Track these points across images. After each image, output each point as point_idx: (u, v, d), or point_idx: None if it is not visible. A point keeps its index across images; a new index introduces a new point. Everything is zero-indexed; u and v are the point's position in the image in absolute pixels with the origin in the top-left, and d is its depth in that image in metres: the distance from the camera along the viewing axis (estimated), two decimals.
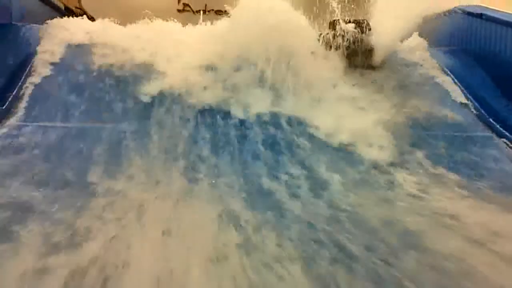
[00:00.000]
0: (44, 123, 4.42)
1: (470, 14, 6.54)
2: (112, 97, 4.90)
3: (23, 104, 4.66)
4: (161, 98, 4.96)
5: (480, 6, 6.55)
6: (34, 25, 5.81)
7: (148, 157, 4.06)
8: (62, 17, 6.33)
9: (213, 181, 3.78)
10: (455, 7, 6.93)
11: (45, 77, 5.05)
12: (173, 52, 5.49)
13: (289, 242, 2.92)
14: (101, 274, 2.49)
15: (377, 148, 4.49)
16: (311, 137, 4.64)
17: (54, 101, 4.74)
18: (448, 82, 5.90)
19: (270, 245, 2.87)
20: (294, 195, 3.66)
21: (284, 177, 3.95)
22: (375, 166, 4.24)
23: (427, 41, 6.56)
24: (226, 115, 4.87)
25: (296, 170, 4.07)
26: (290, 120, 4.85)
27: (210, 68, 5.28)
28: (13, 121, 4.40)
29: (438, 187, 3.95)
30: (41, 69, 5.13)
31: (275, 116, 4.87)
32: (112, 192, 3.44)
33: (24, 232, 2.85)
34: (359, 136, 4.64)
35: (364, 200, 3.61)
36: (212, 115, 4.83)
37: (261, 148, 4.43)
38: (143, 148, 4.19)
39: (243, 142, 4.49)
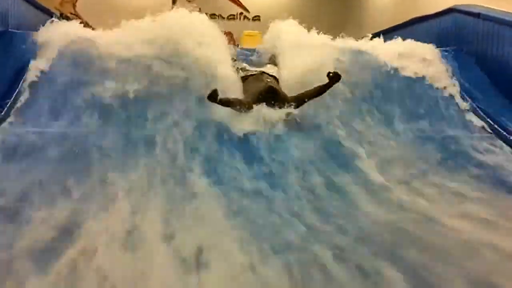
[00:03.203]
0: (41, 129, 4.49)
1: (467, 13, 6.65)
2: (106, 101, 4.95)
3: (21, 111, 4.75)
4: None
5: (477, 5, 6.65)
6: (31, 31, 5.85)
7: None
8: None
9: None
10: (451, 7, 7.04)
11: (42, 83, 5.12)
12: None
13: None
14: None
15: None
16: None
17: (50, 107, 4.83)
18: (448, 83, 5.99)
19: None
20: None
21: None
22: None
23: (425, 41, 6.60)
24: None
25: None
26: None
27: None
28: (11, 127, 4.50)
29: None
30: (36, 76, 5.19)
31: None
32: None
33: None
34: None
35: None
36: None
37: None
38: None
39: None
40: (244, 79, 5.45)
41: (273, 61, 6.10)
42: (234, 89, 5.10)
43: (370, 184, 4.03)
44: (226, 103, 4.61)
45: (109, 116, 4.80)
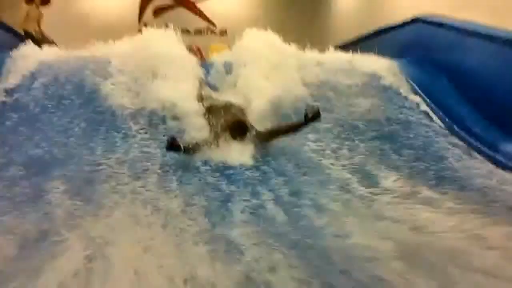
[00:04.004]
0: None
1: (430, 23, 6.81)
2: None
3: None
4: None
5: (439, 15, 6.82)
6: None
7: None
8: (22, 43, 6.32)
9: None
10: (413, 17, 7.18)
11: (5, 106, 5.11)
12: None
13: None
14: None
15: None
16: None
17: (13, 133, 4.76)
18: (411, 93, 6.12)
19: None
20: None
21: None
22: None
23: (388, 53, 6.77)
24: None
25: None
26: None
27: None
28: None
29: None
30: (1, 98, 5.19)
31: None
32: None
33: None
34: None
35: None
36: None
37: None
38: None
39: None
40: (209, 109, 5.12)
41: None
42: (198, 125, 4.92)
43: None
44: (192, 150, 4.48)
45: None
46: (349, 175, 4.31)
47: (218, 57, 6.82)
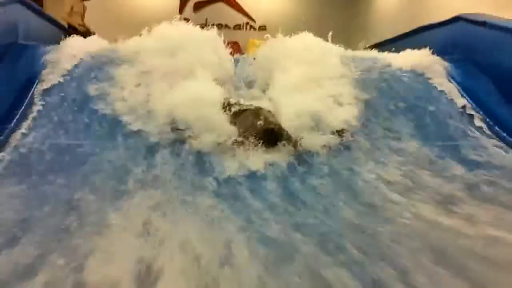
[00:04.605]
0: (52, 141, 4.61)
1: (472, 22, 6.67)
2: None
3: (29, 123, 4.84)
4: None
5: (483, 14, 6.68)
6: (40, 44, 6.07)
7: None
8: (66, 36, 6.48)
9: None
10: (456, 16, 7.08)
11: (50, 97, 5.23)
12: None
13: None
14: None
15: None
16: None
17: (61, 121, 4.94)
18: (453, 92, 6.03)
19: None
20: None
21: None
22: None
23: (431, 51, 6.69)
24: None
25: None
26: None
27: None
28: (20, 139, 4.59)
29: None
30: (45, 89, 5.32)
31: None
32: None
33: None
34: None
35: None
36: None
37: None
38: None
39: None
40: (237, 114, 4.98)
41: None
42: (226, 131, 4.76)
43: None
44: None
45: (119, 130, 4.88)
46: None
47: (255, 51, 6.82)
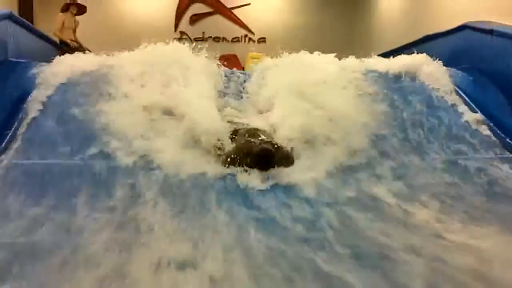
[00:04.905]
0: (39, 161, 4.44)
1: (479, 30, 6.55)
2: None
3: (19, 143, 4.66)
4: None
5: (490, 21, 6.56)
6: (31, 62, 5.90)
7: None
8: (58, 52, 6.36)
9: None
10: (463, 24, 6.96)
11: (41, 116, 5.07)
12: None
13: None
14: None
15: None
16: None
17: (49, 140, 4.75)
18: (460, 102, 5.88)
19: None
20: None
21: None
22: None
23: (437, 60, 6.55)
24: None
25: None
26: None
27: None
28: (10, 159, 4.40)
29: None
30: (37, 108, 5.15)
31: None
32: None
33: None
34: None
35: None
36: None
37: None
38: None
39: None
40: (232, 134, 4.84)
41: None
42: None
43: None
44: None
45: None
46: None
47: (253, 69, 6.76)
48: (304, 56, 6.44)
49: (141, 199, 3.88)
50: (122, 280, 2.82)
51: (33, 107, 5.12)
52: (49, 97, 5.28)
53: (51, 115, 5.05)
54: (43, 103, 5.19)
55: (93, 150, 4.59)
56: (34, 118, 4.99)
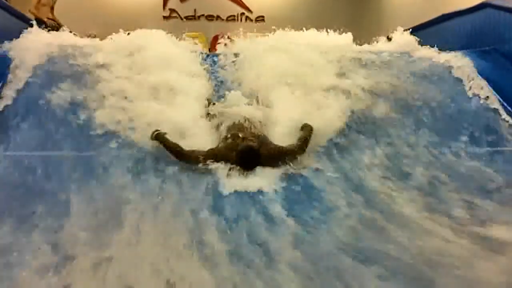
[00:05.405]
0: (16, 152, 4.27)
1: (502, 8, 6.15)
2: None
3: None
4: None
5: None
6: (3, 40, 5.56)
7: None
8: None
9: None
10: (483, 2, 6.53)
11: (15, 100, 4.86)
12: None
13: None
14: None
15: None
16: None
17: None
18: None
19: None
20: None
21: None
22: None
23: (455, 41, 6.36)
24: None
25: None
26: None
27: None
28: None
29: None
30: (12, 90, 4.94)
31: None
32: None
33: None
34: None
35: None
36: None
37: None
38: None
39: None
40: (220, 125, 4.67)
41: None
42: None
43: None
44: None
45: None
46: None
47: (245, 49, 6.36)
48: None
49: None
50: None
51: (7, 90, 4.91)
52: (23, 80, 5.03)
53: (26, 99, 4.85)
54: (17, 86, 4.97)
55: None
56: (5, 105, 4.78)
